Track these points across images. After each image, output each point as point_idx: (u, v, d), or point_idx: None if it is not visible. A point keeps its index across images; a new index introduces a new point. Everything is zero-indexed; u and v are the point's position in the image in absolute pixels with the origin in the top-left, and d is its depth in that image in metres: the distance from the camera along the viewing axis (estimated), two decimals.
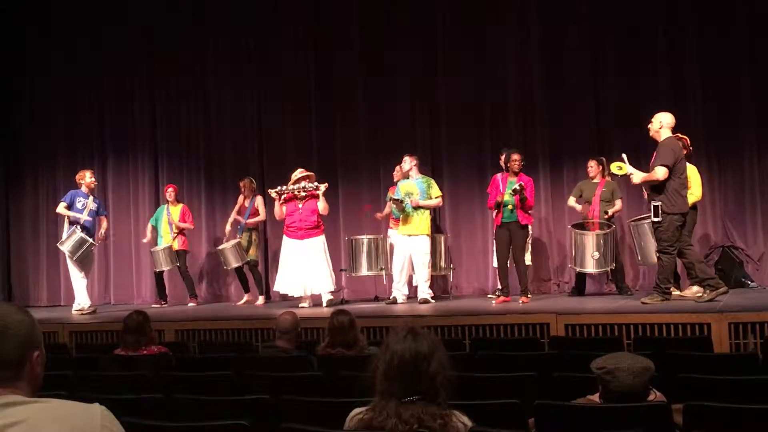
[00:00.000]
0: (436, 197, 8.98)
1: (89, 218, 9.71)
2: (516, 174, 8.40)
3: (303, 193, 9.06)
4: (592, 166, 9.05)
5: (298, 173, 9.22)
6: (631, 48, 9.84)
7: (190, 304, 10.27)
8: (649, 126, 7.42)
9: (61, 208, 9.82)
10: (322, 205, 9.05)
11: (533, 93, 10.30)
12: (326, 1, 11.23)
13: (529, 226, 9.12)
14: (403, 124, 10.76)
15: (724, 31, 9.55)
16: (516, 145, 9.62)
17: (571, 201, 9.23)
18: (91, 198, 9.86)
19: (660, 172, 7.09)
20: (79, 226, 9.61)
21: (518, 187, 8.16)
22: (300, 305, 8.84)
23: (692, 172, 8.21)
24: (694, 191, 8.12)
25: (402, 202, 8.76)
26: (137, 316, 5.51)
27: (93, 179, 10.10)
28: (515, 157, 8.43)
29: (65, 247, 9.63)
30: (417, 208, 8.77)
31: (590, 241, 8.51)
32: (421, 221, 8.81)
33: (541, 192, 10.14)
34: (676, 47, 9.76)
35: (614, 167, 8.87)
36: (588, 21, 10.11)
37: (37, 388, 1.85)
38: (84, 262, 9.76)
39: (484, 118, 10.47)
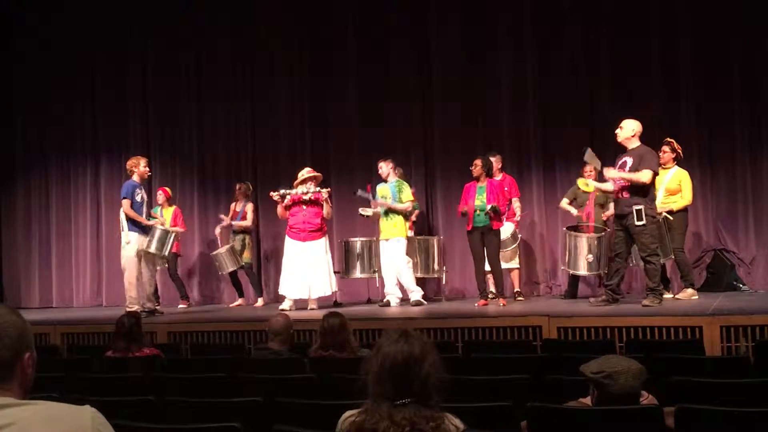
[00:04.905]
0: (407, 201, 8.88)
1: (149, 222, 8.81)
2: (478, 179, 8.39)
3: (307, 196, 8.88)
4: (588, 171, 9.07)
5: (305, 173, 9.08)
6: (625, 49, 9.86)
7: (181, 306, 10.24)
8: (618, 131, 7.46)
9: (126, 207, 8.62)
10: (326, 210, 8.99)
11: (527, 94, 10.31)
12: (321, 1, 11.23)
13: (517, 231, 9.18)
14: (397, 124, 10.77)
15: (718, 33, 9.57)
16: (503, 148, 9.68)
17: (564, 203, 9.24)
18: (143, 190, 8.92)
19: (647, 176, 7.15)
20: (155, 225, 8.72)
21: (490, 211, 8.14)
22: (291, 308, 8.81)
23: (683, 176, 8.27)
24: (685, 195, 8.19)
25: (363, 195, 8.83)
26: (129, 319, 5.52)
27: (147, 168, 8.91)
28: (476, 162, 8.45)
29: (153, 248, 8.67)
30: (387, 212, 8.77)
31: (584, 243, 8.52)
32: (394, 224, 8.77)
33: (534, 194, 10.16)
34: (669, 48, 9.79)
35: (581, 183, 8.97)
36: (582, 21, 10.13)
37: (28, 390, 1.85)
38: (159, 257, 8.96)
39: (477, 118, 10.48)
